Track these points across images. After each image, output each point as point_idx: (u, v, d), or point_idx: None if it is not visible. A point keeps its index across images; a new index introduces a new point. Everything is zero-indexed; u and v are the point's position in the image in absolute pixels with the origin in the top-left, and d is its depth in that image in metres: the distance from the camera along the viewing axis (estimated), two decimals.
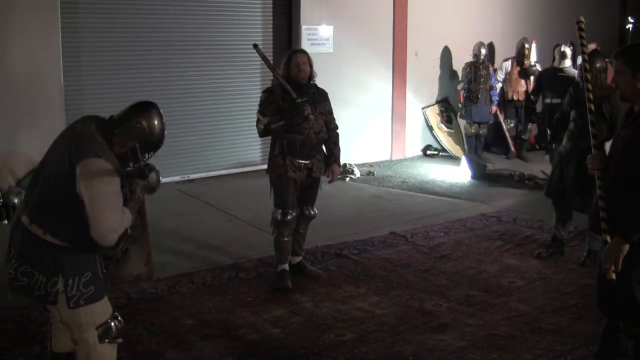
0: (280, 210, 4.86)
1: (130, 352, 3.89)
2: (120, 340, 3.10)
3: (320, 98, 4.93)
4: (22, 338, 4.05)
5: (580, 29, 3.63)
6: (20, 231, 2.96)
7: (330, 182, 5.07)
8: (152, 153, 3.04)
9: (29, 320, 4.22)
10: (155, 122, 3.00)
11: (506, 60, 10.02)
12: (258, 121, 4.83)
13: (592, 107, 3.56)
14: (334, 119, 5.03)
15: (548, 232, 6.15)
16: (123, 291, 4.64)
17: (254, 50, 4.85)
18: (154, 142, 3.02)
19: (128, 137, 2.96)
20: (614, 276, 3.15)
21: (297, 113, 4.69)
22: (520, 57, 9.78)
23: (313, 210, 5.08)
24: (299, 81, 4.80)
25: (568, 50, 9.17)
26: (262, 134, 4.87)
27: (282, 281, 4.89)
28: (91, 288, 2.96)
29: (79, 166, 2.80)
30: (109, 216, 2.81)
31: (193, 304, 4.62)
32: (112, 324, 3.04)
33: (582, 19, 3.65)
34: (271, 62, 5.43)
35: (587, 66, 3.63)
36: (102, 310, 3.02)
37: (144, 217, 3.29)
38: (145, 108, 3.02)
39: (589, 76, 3.60)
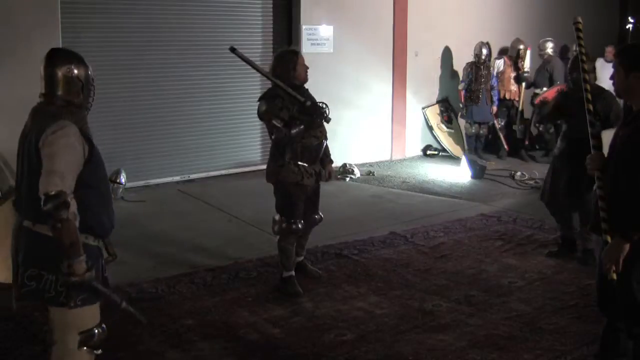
0: (290, 220, 4.70)
1: (130, 352, 3.89)
2: (99, 351, 3.00)
3: (314, 99, 4.77)
4: (22, 338, 4.05)
5: (577, 29, 3.64)
6: (24, 236, 2.92)
7: (326, 181, 4.96)
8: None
9: (29, 320, 4.22)
10: (75, 55, 3.02)
11: (498, 58, 10.04)
12: (276, 129, 4.53)
13: (591, 108, 3.56)
14: None
15: (548, 232, 6.16)
16: (123, 291, 4.64)
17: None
18: (88, 70, 3.02)
19: (73, 84, 2.94)
20: (614, 276, 3.15)
21: (317, 116, 4.53)
22: (515, 57, 9.84)
23: (319, 214, 5.00)
24: (302, 82, 4.69)
25: None
26: (283, 141, 4.57)
27: (292, 287, 4.80)
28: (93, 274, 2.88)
29: (43, 136, 2.78)
30: (62, 162, 2.74)
31: (193, 304, 4.61)
32: (96, 331, 2.96)
33: (580, 19, 3.65)
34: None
35: (585, 67, 3.64)
36: (92, 314, 2.95)
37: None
38: (56, 56, 3.01)
39: (587, 76, 3.61)
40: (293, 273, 4.88)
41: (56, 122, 2.81)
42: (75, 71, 2.97)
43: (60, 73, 2.95)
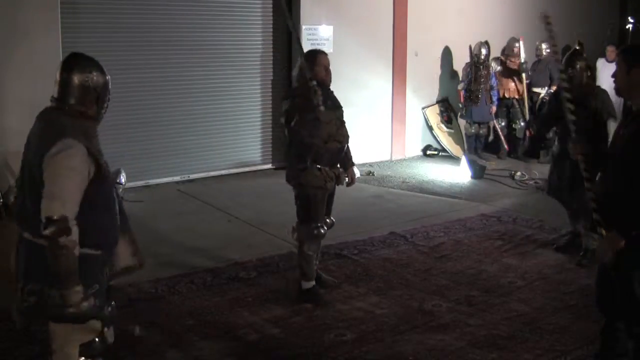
0: (316, 225, 4.62)
1: (130, 352, 3.89)
2: None
3: (338, 102, 4.72)
4: (22, 338, 4.04)
5: (548, 23, 3.65)
6: (25, 248, 2.80)
7: (349, 185, 4.90)
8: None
9: (28, 320, 4.21)
10: (95, 64, 2.88)
11: (495, 58, 10.05)
12: (289, 130, 4.49)
13: (569, 96, 3.64)
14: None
15: (548, 232, 6.17)
16: (123, 291, 4.64)
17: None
18: (107, 80, 2.93)
19: (88, 94, 2.82)
20: (611, 266, 3.17)
21: (322, 119, 4.43)
22: (506, 55, 9.86)
23: (331, 218, 4.92)
24: (324, 84, 4.61)
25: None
26: (295, 139, 4.52)
27: (317, 297, 4.69)
28: (95, 302, 2.81)
29: (47, 155, 2.66)
30: (64, 186, 2.62)
31: (193, 304, 4.62)
32: (96, 341, 2.90)
33: (549, 14, 3.67)
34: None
35: (564, 64, 3.72)
36: (93, 327, 2.88)
37: (122, 210, 3.14)
38: (75, 62, 2.84)
39: (564, 75, 3.73)
40: (314, 282, 4.77)
41: (62, 141, 2.65)
42: (93, 80, 2.83)
43: (76, 80, 2.80)
